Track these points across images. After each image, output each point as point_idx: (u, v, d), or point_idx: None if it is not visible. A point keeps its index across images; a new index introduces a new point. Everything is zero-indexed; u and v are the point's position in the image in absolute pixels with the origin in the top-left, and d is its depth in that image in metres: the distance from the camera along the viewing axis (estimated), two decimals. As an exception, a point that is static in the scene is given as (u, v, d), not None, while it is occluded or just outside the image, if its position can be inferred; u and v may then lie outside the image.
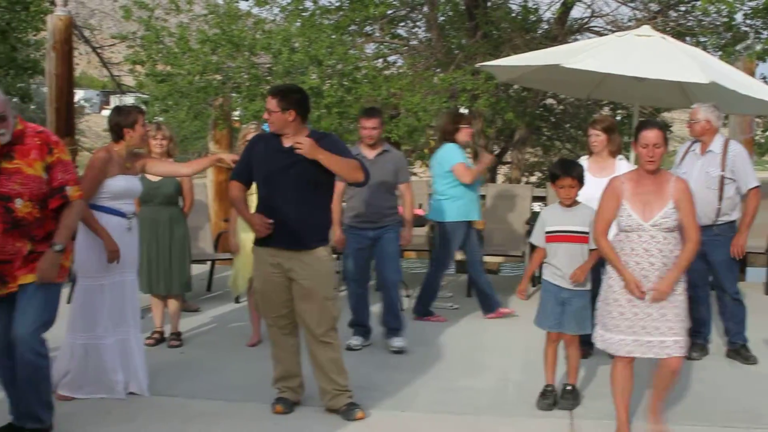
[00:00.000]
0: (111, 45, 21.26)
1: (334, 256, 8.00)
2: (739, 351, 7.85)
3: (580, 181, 6.53)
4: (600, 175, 7.81)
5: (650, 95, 10.88)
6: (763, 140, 18.41)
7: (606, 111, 18.21)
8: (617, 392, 5.92)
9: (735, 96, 9.08)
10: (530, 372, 7.36)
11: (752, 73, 13.45)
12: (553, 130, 20.11)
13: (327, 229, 6.42)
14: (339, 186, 8.03)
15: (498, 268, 16.05)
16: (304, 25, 14.63)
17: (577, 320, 6.49)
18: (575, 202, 6.52)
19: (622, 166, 7.87)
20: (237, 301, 9.95)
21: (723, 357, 7.95)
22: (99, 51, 21.73)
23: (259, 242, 6.32)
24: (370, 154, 8.09)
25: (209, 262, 11.07)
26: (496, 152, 19.59)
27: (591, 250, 6.41)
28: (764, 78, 16.60)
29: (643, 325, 5.69)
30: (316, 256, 6.20)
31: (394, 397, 6.70)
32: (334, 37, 14.20)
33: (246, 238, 7.77)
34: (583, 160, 8.07)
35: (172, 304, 8.38)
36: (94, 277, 6.60)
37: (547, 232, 6.51)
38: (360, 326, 8.30)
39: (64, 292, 9.81)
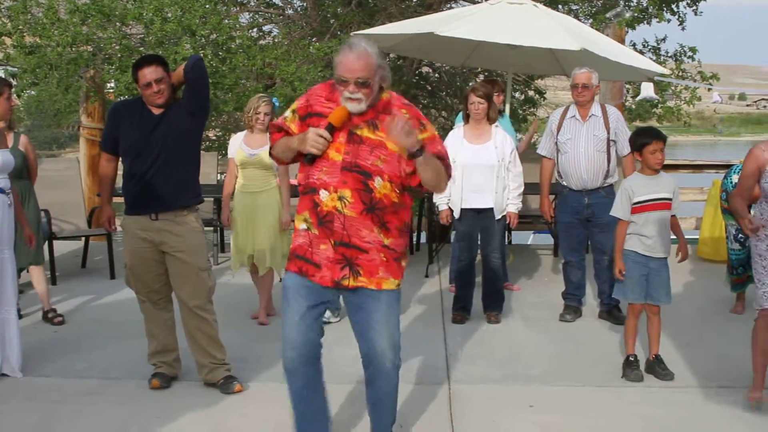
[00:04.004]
0: (-23, 16, 20.57)
1: (209, 228, 7.96)
2: (611, 312, 8.04)
3: (665, 144, 6.52)
4: (477, 142, 7.89)
5: (523, 62, 11.05)
6: (633, 106, 18.77)
7: (481, 78, 18.34)
8: (758, 351, 5.97)
9: (605, 63, 9.27)
10: (407, 340, 7.40)
11: (622, 41, 13.71)
12: (429, 98, 20.17)
13: (196, 187, 6.33)
14: None
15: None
16: (176, -6, 14.37)
17: (666, 289, 6.53)
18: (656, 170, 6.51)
19: (499, 133, 7.94)
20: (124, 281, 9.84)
21: (596, 318, 8.13)
22: (-36, 22, 20.99)
23: (128, 211, 6.24)
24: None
25: (83, 239, 10.83)
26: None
27: (672, 216, 6.52)
28: (634, 45, 16.95)
29: None
30: (187, 227, 6.13)
31: (273, 369, 6.67)
32: (207, 6, 13.97)
33: (241, 209, 7.92)
34: (458, 128, 8.12)
35: (37, 277, 8.25)
36: None
37: (637, 203, 6.45)
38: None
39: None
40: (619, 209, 6.56)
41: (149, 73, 6.01)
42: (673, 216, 6.56)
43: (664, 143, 6.47)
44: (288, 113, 4.77)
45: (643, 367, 6.62)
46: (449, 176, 4.80)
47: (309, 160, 4.57)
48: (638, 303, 6.57)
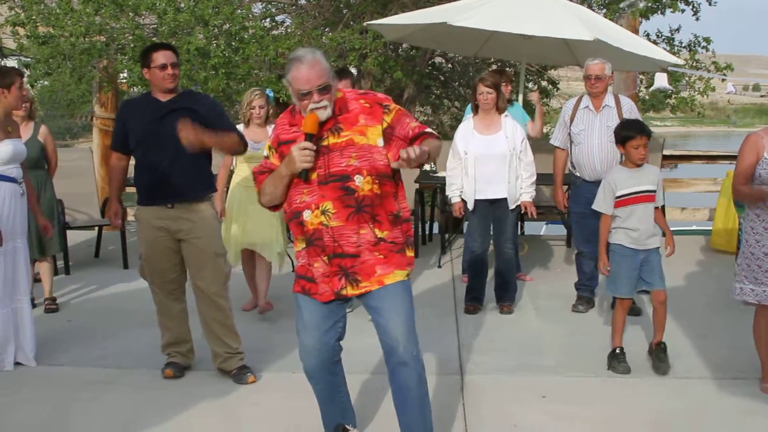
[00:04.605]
0: (-10, 6, 20.63)
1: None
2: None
3: (649, 140, 6.47)
4: (486, 133, 7.87)
5: (537, 52, 11.03)
6: (647, 96, 18.72)
7: (493, 69, 18.32)
8: (762, 344, 6.04)
9: (619, 53, 9.23)
10: (420, 330, 7.40)
11: (636, 31, 13.68)
12: (442, 89, 20.18)
13: (210, 177, 6.36)
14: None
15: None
16: (189, -16, 14.39)
17: (659, 275, 6.49)
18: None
19: (508, 123, 7.92)
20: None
21: (608, 309, 8.11)
22: (-23, 13, 21.04)
23: (143, 201, 6.24)
24: None
25: (96, 228, 10.86)
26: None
27: (655, 208, 6.48)
28: (647, 35, 16.89)
29: None
30: (202, 215, 6.15)
31: (286, 358, 6.68)
32: (220, -4, 14.01)
33: (237, 203, 7.79)
34: (468, 120, 8.11)
35: (44, 268, 8.32)
36: None
37: (621, 196, 6.41)
38: None
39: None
40: (601, 203, 6.53)
41: (164, 56, 6.05)
42: (657, 208, 6.52)
43: (648, 138, 6.42)
44: (266, 152, 4.75)
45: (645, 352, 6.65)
46: (437, 138, 4.70)
47: (304, 177, 4.52)
48: (628, 298, 6.56)
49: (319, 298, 4.66)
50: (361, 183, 4.51)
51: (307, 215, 4.55)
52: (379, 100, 4.64)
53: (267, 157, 4.73)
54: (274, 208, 4.83)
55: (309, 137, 4.46)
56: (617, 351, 6.55)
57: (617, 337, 6.59)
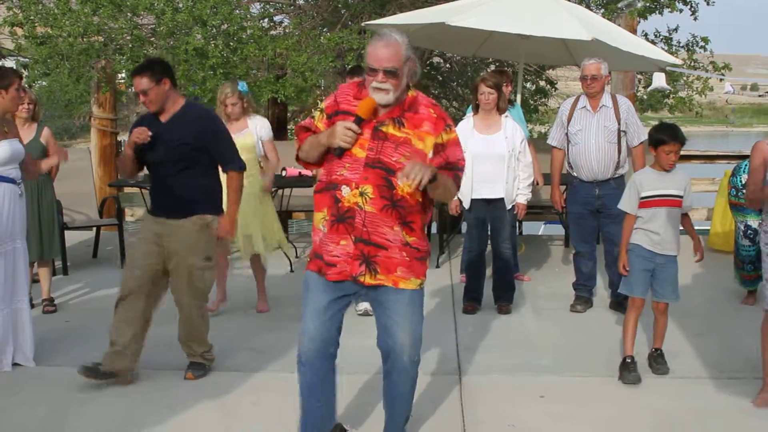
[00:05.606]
0: (-12, 6, 20.60)
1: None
2: (621, 303, 7.98)
3: (683, 146, 6.39)
4: (487, 133, 7.88)
5: (535, 52, 11.03)
6: (645, 96, 18.72)
7: (492, 69, 18.33)
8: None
9: (617, 53, 9.24)
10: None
11: (634, 31, 13.67)
12: (440, 89, 20.17)
13: (211, 196, 6.35)
14: None
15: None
16: (187, -15, 14.37)
17: (674, 286, 6.40)
18: None
19: (508, 123, 7.92)
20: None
21: (606, 309, 8.12)
22: (-25, 13, 21.00)
23: (149, 209, 6.39)
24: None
25: (94, 229, 10.86)
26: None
27: (683, 214, 6.42)
28: (645, 35, 16.90)
29: None
30: (189, 226, 6.19)
31: (285, 359, 6.68)
32: (218, -4, 13.99)
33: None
34: (468, 118, 8.11)
35: (43, 270, 8.35)
36: None
37: (645, 197, 6.32)
38: None
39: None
40: (626, 203, 6.45)
41: (137, 84, 6.08)
42: (685, 215, 6.45)
43: (682, 145, 6.31)
44: (316, 113, 4.71)
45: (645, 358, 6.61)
46: (459, 185, 4.76)
47: (339, 153, 4.50)
48: (641, 297, 6.45)
49: (335, 277, 4.64)
50: (403, 183, 4.45)
51: (345, 191, 4.52)
52: (445, 118, 4.64)
53: (313, 118, 4.70)
54: (307, 165, 4.81)
55: (358, 120, 4.46)
56: (627, 360, 6.38)
57: (628, 344, 6.41)
